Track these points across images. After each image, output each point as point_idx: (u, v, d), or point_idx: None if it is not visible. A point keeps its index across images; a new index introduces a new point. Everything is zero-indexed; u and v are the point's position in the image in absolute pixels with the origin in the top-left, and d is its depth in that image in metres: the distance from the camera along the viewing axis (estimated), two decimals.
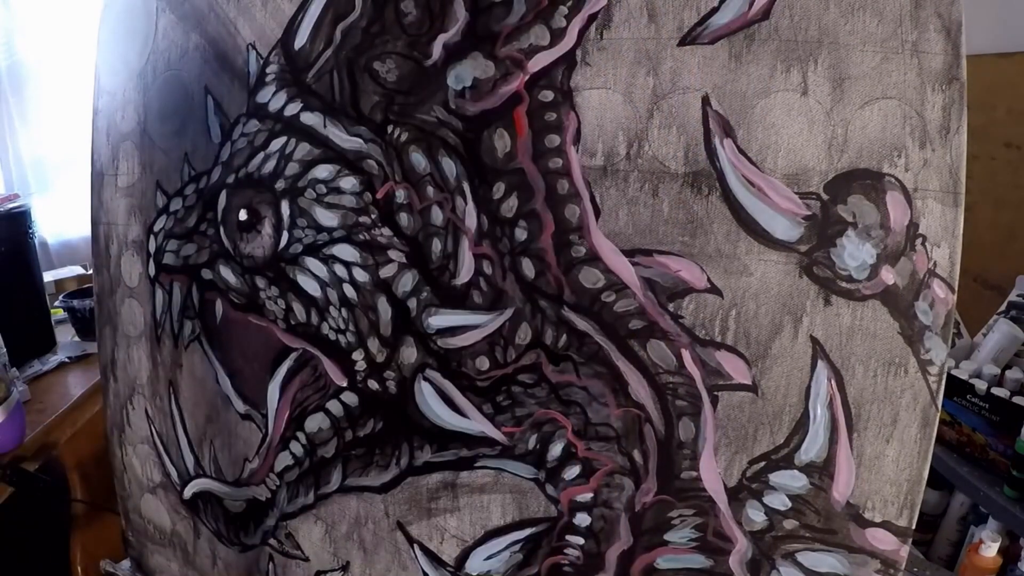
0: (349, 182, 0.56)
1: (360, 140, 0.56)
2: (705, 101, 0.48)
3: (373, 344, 0.57)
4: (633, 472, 0.53)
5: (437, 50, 0.53)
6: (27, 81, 2.02)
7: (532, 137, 0.51)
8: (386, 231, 0.56)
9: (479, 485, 0.57)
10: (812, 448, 0.49)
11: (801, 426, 0.49)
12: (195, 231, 0.65)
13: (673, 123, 0.48)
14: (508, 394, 0.54)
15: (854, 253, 0.47)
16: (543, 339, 0.53)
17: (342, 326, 0.58)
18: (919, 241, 0.46)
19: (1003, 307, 1.34)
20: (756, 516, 0.51)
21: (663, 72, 0.48)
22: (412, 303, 0.56)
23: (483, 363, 0.54)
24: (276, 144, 0.59)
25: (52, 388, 1.15)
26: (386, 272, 0.56)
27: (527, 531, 0.56)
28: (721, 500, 0.51)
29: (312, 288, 0.59)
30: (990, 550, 1.11)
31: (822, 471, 0.49)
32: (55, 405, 1.07)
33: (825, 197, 0.47)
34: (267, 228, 0.59)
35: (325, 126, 0.57)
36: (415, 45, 0.54)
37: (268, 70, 0.59)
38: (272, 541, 0.67)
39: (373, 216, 0.56)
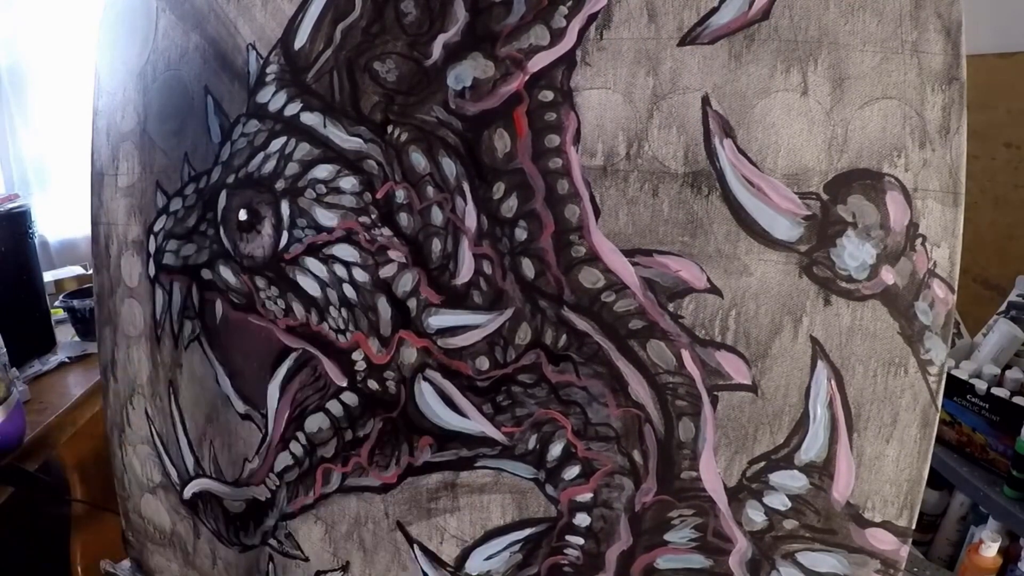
0: (349, 182, 0.56)
1: (360, 140, 0.56)
2: (705, 101, 0.48)
3: (373, 344, 0.57)
4: (633, 472, 0.53)
5: (437, 50, 0.53)
6: (27, 81, 2.02)
7: (532, 137, 0.51)
8: (386, 231, 0.56)
9: (479, 485, 0.57)
10: (812, 448, 0.49)
11: (801, 426, 0.49)
12: (195, 231, 0.65)
13: (673, 123, 0.48)
14: (508, 394, 0.54)
15: (854, 253, 0.47)
16: (543, 339, 0.53)
17: (342, 326, 0.58)
18: (919, 241, 0.46)
19: (1003, 307, 1.35)
20: (756, 516, 0.51)
21: (663, 72, 0.48)
22: (412, 303, 0.56)
23: (483, 363, 0.54)
24: (276, 144, 0.59)
25: (52, 388, 1.15)
26: (386, 272, 0.56)
27: (527, 531, 0.56)
28: (721, 500, 0.51)
29: (312, 288, 0.59)
30: (990, 550, 1.11)
31: (822, 471, 0.49)
32: (55, 405, 1.07)
33: (825, 197, 0.47)
34: (267, 228, 0.59)
35: (325, 126, 0.57)
36: (415, 45, 0.54)
37: (268, 70, 0.59)
38: (272, 541, 0.67)
39: (373, 216, 0.56)
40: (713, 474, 0.51)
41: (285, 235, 0.59)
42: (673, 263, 0.49)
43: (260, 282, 0.61)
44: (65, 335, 1.33)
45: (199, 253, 0.65)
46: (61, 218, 2.06)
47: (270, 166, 0.59)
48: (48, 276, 1.48)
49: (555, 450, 0.54)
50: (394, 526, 0.61)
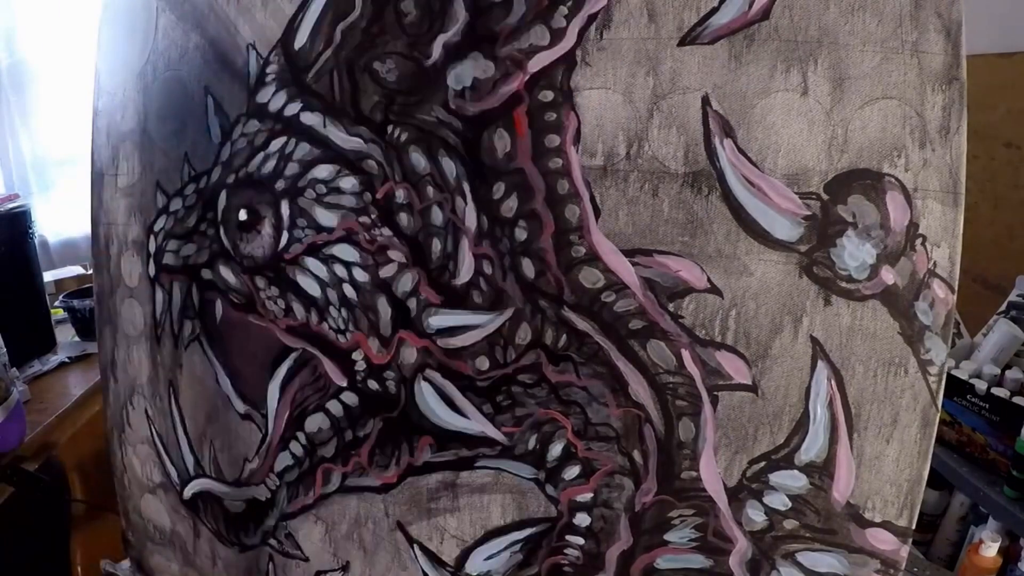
0: (349, 182, 0.56)
1: (360, 140, 0.56)
2: (705, 101, 0.48)
3: (373, 344, 0.57)
4: (633, 472, 0.53)
5: (437, 50, 0.53)
6: (27, 81, 2.02)
7: (532, 137, 0.51)
8: (386, 231, 0.56)
9: (479, 485, 0.57)
10: (812, 448, 0.49)
11: (801, 426, 0.49)
12: (195, 231, 0.65)
13: (673, 123, 0.48)
14: (508, 394, 0.54)
15: (854, 253, 0.47)
16: (543, 339, 0.53)
17: (342, 326, 0.58)
18: (919, 241, 0.46)
19: (1003, 307, 1.34)
20: (756, 516, 0.51)
21: (663, 72, 0.48)
22: (412, 303, 0.56)
23: (483, 363, 0.54)
24: (276, 144, 0.59)
25: (52, 388, 1.15)
26: (386, 272, 0.56)
27: (527, 531, 0.56)
28: (721, 500, 0.51)
29: (312, 288, 0.59)
30: (990, 550, 1.11)
31: (822, 471, 0.49)
32: (55, 405, 1.08)
33: (825, 197, 0.47)
34: (267, 228, 0.59)
35: (325, 126, 0.57)
36: (415, 45, 0.54)
37: (268, 70, 0.59)
38: (272, 541, 0.67)
39: (373, 216, 0.56)
40: (713, 474, 0.51)
41: (285, 235, 0.59)
42: (673, 263, 0.49)
43: (260, 282, 0.61)
44: (65, 335, 1.33)
45: (199, 253, 0.64)
46: (61, 218, 2.05)
47: (270, 166, 0.59)
48: (48, 276, 1.48)
49: (555, 450, 0.54)
50: (394, 526, 0.61)
